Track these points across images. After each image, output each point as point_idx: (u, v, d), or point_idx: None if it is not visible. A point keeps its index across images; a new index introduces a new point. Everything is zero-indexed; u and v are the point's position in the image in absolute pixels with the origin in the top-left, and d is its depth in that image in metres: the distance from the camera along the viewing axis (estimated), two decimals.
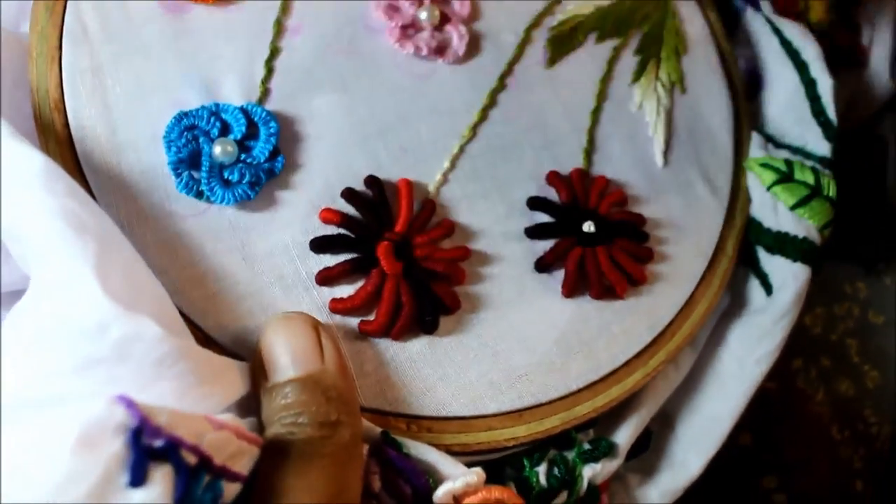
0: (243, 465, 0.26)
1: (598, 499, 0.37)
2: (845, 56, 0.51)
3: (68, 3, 0.34)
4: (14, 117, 0.31)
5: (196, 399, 0.27)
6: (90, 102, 0.33)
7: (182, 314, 0.32)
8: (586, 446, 0.37)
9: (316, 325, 0.31)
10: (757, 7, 0.48)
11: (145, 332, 0.26)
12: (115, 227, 0.29)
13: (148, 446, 0.23)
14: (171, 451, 0.23)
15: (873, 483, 0.46)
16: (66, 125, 0.33)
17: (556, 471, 0.36)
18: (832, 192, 0.42)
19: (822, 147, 0.44)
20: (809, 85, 0.44)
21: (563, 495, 0.36)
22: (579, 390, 0.36)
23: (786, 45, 0.46)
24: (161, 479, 0.23)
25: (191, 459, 0.24)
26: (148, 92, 0.34)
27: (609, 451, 0.37)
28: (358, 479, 0.29)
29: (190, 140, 0.33)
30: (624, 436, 0.38)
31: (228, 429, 0.26)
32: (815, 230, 0.41)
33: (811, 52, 0.45)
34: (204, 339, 0.32)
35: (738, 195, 0.42)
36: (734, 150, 0.43)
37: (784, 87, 0.45)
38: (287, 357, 0.30)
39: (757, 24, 0.47)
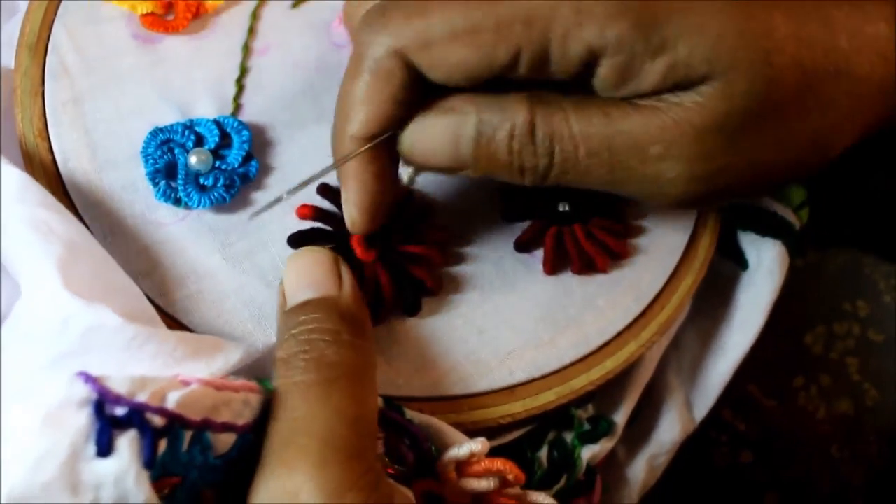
0: (236, 414, 0.27)
1: (594, 480, 0.36)
2: None
3: (49, 45, 0.36)
4: (3, 144, 0.33)
5: None
6: (72, 128, 0.35)
7: (165, 314, 0.33)
8: (586, 426, 0.37)
9: (336, 258, 0.32)
10: None
11: (106, 320, 0.27)
12: (87, 234, 0.31)
13: (111, 415, 0.24)
14: (134, 416, 0.24)
15: (873, 501, 0.47)
16: (51, 150, 0.35)
17: (555, 454, 0.36)
18: None
19: None
20: None
21: (563, 479, 0.36)
22: (572, 363, 0.36)
23: None
24: (128, 445, 0.23)
25: (157, 421, 0.24)
26: (126, 115, 0.36)
27: (608, 430, 0.37)
28: (375, 405, 0.29)
29: (166, 152, 0.35)
30: (622, 412, 0.37)
31: (201, 383, 0.26)
32: (787, 209, 0.41)
33: None
34: None
35: None
36: None
37: None
38: (305, 281, 0.30)
39: None
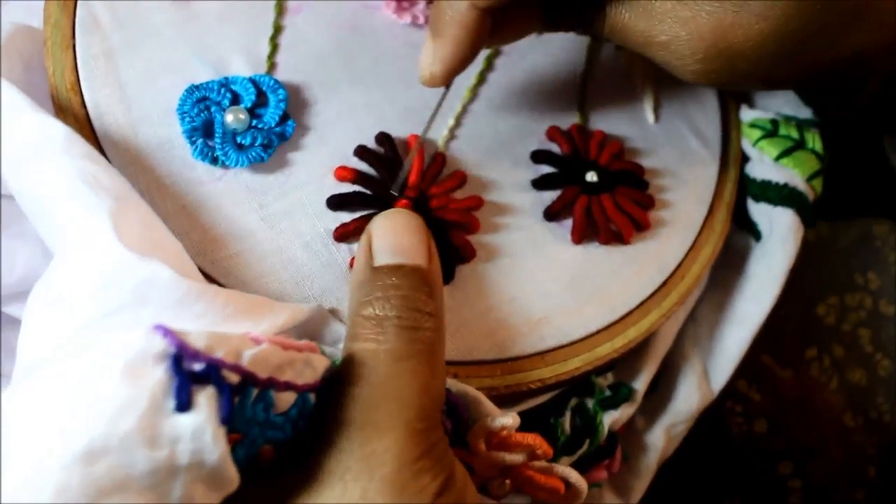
0: (297, 374, 0.27)
1: (616, 446, 0.38)
2: None
3: None
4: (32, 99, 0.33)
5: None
6: (105, 83, 0.35)
7: (205, 274, 0.33)
8: (606, 392, 0.38)
9: (428, 231, 0.32)
10: None
11: (160, 275, 0.27)
12: (132, 188, 0.31)
13: (189, 371, 0.23)
14: (212, 372, 0.24)
15: (886, 469, 0.48)
16: (83, 105, 0.34)
17: (577, 420, 0.37)
18: (817, 145, 0.43)
19: (804, 111, 0.46)
20: None
21: (585, 444, 0.37)
22: (598, 331, 0.37)
23: None
24: (206, 401, 0.23)
25: (233, 378, 0.24)
26: (159, 71, 0.35)
27: (628, 396, 0.38)
28: (443, 385, 0.29)
29: (202, 110, 0.34)
30: (642, 380, 0.38)
31: (270, 342, 0.26)
32: (799, 178, 0.42)
33: None
34: None
35: (728, 147, 0.43)
36: (721, 106, 0.44)
37: None
38: (398, 245, 0.30)
39: None
